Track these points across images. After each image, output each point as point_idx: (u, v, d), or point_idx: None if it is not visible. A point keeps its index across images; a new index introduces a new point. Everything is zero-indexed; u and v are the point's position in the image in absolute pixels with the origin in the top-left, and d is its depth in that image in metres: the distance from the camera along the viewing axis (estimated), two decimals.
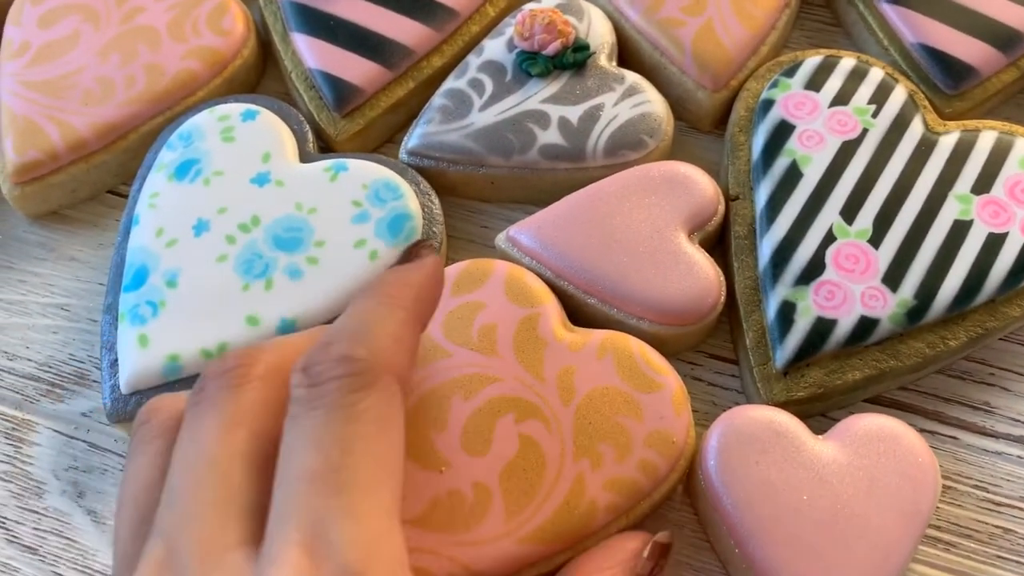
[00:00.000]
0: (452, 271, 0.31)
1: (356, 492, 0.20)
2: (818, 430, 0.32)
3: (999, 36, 0.40)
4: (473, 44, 0.42)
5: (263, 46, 0.44)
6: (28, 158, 0.39)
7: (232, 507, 0.22)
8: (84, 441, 0.36)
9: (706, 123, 0.42)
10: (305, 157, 0.39)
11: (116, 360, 0.35)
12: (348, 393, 0.22)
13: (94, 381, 0.37)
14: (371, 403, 0.22)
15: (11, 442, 0.36)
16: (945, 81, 0.40)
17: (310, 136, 0.39)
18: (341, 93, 0.40)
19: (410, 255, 0.28)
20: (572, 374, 0.30)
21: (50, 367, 0.38)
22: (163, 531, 0.22)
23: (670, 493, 0.29)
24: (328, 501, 0.20)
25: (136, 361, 0.34)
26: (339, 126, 0.40)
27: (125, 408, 0.34)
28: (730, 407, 0.35)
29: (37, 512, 0.35)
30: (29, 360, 0.38)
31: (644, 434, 0.29)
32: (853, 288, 0.34)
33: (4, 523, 0.35)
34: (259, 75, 0.44)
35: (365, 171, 0.38)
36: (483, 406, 0.29)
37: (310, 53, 0.41)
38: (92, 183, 0.41)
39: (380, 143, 0.42)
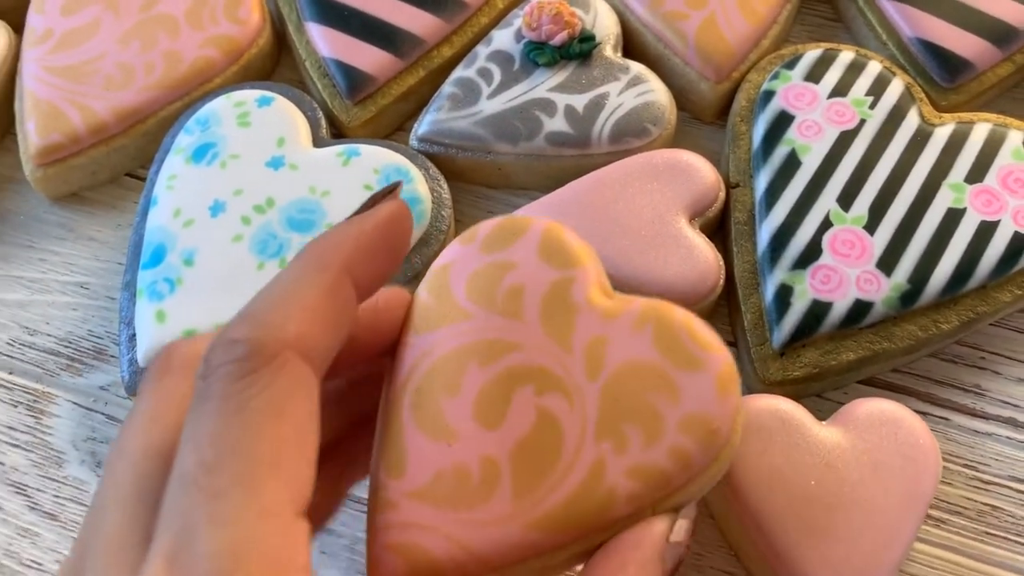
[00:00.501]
0: (484, 228, 0.28)
1: (229, 494, 0.18)
2: (817, 411, 0.33)
3: (994, 31, 0.41)
4: (482, 35, 0.43)
5: (278, 35, 0.45)
6: (50, 141, 0.40)
7: (138, 502, 0.20)
8: (102, 413, 0.37)
9: (708, 113, 0.43)
10: (318, 142, 0.40)
11: (134, 335, 0.36)
12: (232, 381, 0.20)
13: (112, 356, 0.39)
14: (257, 390, 0.20)
15: (32, 414, 0.37)
16: (941, 75, 0.41)
17: (323, 122, 0.41)
18: (353, 81, 0.41)
19: (366, 205, 0.25)
20: (603, 345, 0.26)
21: (69, 342, 0.39)
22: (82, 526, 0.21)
23: (708, 487, 0.25)
24: (197, 507, 0.18)
25: (153, 336, 0.36)
26: (351, 113, 0.42)
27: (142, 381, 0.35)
28: None
29: (57, 480, 0.36)
30: (49, 335, 0.39)
31: (678, 417, 0.24)
32: (848, 272, 0.36)
33: (26, 490, 0.36)
34: (274, 63, 0.45)
35: (376, 156, 0.39)
36: (501, 374, 0.26)
37: (324, 42, 0.42)
38: (111, 166, 0.42)
39: (391, 130, 0.44)
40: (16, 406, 0.38)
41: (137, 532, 0.20)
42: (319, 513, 0.27)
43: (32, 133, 0.41)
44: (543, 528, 0.24)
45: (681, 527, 0.24)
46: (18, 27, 0.44)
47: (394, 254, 0.24)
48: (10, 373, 0.38)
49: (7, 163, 0.43)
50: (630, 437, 0.25)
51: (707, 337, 0.26)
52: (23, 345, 0.39)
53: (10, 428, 0.37)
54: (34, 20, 0.44)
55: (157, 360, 0.23)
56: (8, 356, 0.39)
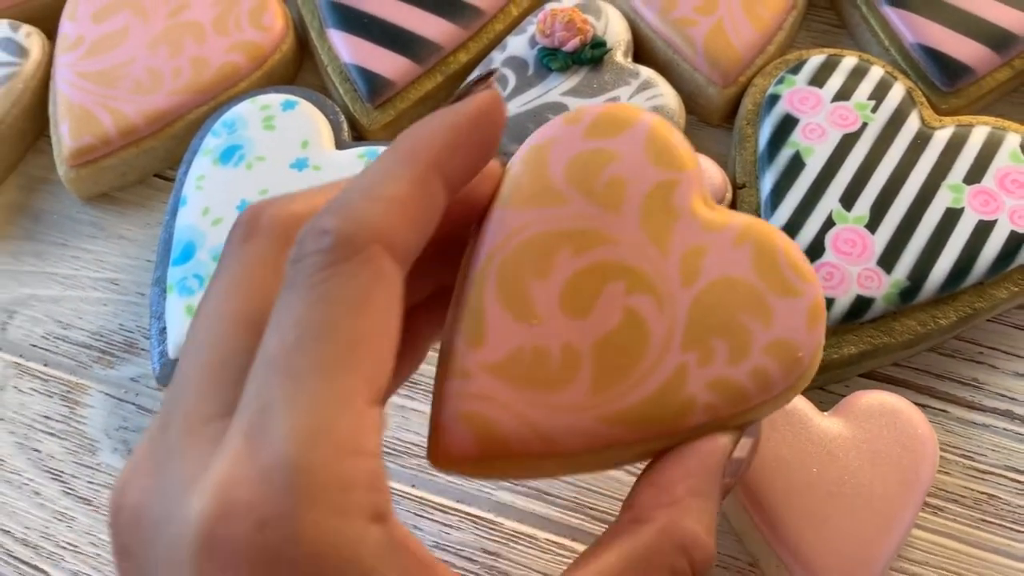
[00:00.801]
0: (590, 112, 0.27)
1: (306, 379, 0.19)
2: (819, 403, 0.35)
3: (993, 37, 0.42)
4: (497, 41, 0.45)
5: (301, 41, 0.47)
6: (83, 143, 0.42)
7: (223, 374, 0.21)
8: (133, 404, 0.39)
9: (716, 117, 0.44)
10: (340, 144, 0.42)
11: (164, 328, 0.38)
12: (319, 270, 0.20)
13: (142, 349, 0.40)
14: (341, 280, 0.20)
15: (67, 404, 0.39)
16: (942, 79, 0.42)
17: (345, 125, 0.42)
18: (374, 86, 0.43)
19: (459, 95, 0.24)
20: (700, 256, 0.25)
21: (101, 336, 0.41)
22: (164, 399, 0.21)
23: (777, 409, 0.25)
24: (276, 388, 0.19)
25: (183, 329, 0.37)
26: (372, 116, 0.43)
27: (172, 372, 0.37)
28: None
29: (91, 467, 0.38)
30: (82, 329, 0.41)
31: (767, 340, 0.24)
32: (850, 269, 0.37)
33: (61, 476, 0.38)
34: (297, 68, 0.47)
35: None
36: (593, 266, 0.25)
37: (345, 48, 0.44)
38: (141, 167, 0.44)
39: None
40: (51, 396, 0.39)
41: (219, 404, 0.20)
42: (395, 376, 0.27)
43: (65, 136, 0.42)
44: (617, 423, 0.24)
45: (745, 445, 0.25)
46: (51, 34, 0.46)
47: (486, 148, 0.23)
48: (45, 365, 0.40)
49: (41, 164, 0.45)
50: (716, 351, 0.24)
51: (805, 266, 0.26)
52: (57, 338, 0.41)
53: (46, 417, 0.39)
54: (66, 27, 0.45)
55: (242, 222, 0.23)
56: (44, 349, 0.40)
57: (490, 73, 0.24)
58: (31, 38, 0.45)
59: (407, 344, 0.27)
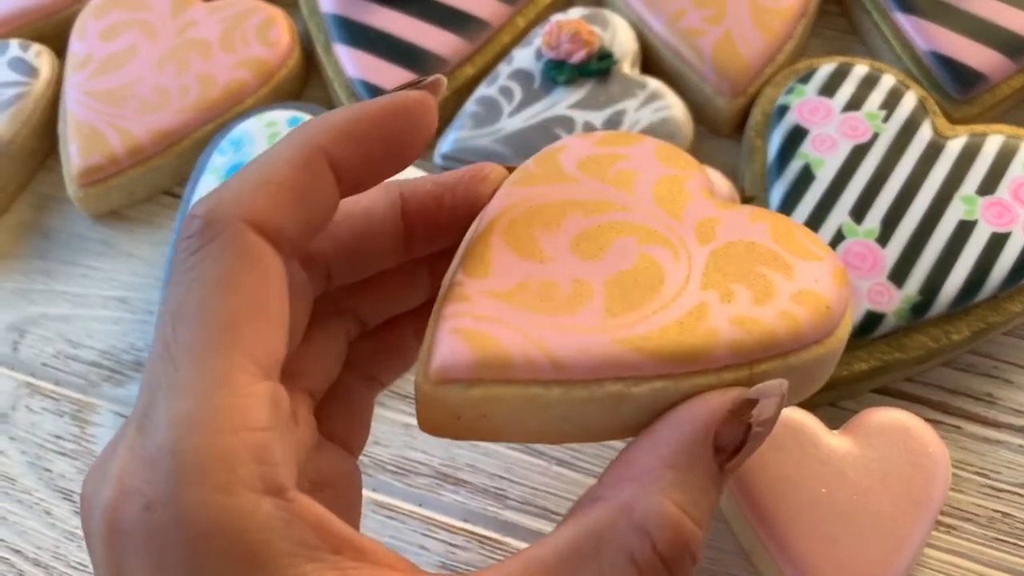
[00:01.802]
0: (601, 132, 0.27)
1: (182, 364, 0.19)
2: (830, 420, 0.34)
3: (1008, 43, 0.41)
4: (504, 54, 0.45)
5: (307, 56, 0.47)
6: (91, 162, 0.42)
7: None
8: None
9: (725, 128, 0.44)
10: None
11: None
12: (188, 256, 0.20)
13: None
14: (208, 262, 0.20)
15: (77, 423, 0.39)
16: (955, 87, 0.41)
17: None
18: None
19: (393, 91, 0.23)
20: (715, 224, 0.24)
21: (111, 354, 0.41)
22: None
23: (813, 368, 0.23)
24: (160, 377, 0.19)
25: None
26: None
27: None
28: None
29: None
30: (92, 348, 0.41)
31: (792, 290, 0.23)
32: (860, 284, 0.36)
33: (72, 496, 0.38)
34: (303, 84, 0.47)
35: (402, 174, 0.40)
36: (604, 224, 0.24)
37: (351, 63, 0.44)
38: (149, 185, 0.44)
39: None
40: (62, 416, 0.40)
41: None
42: (392, 366, 0.28)
43: (74, 155, 0.42)
44: (634, 348, 0.21)
45: (767, 406, 0.21)
46: (61, 52, 0.46)
47: (396, 145, 0.22)
48: (56, 384, 0.40)
49: (51, 182, 0.46)
50: (738, 294, 0.22)
51: (819, 239, 0.25)
52: (68, 357, 0.41)
53: (57, 437, 0.39)
54: (75, 45, 0.46)
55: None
56: (54, 368, 0.41)
57: (428, 80, 0.23)
58: (41, 57, 0.46)
59: (394, 350, 0.28)
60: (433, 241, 0.25)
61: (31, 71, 0.45)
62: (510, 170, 0.26)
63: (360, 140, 0.22)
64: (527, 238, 0.23)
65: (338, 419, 0.26)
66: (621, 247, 0.23)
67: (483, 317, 0.22)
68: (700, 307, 0.22)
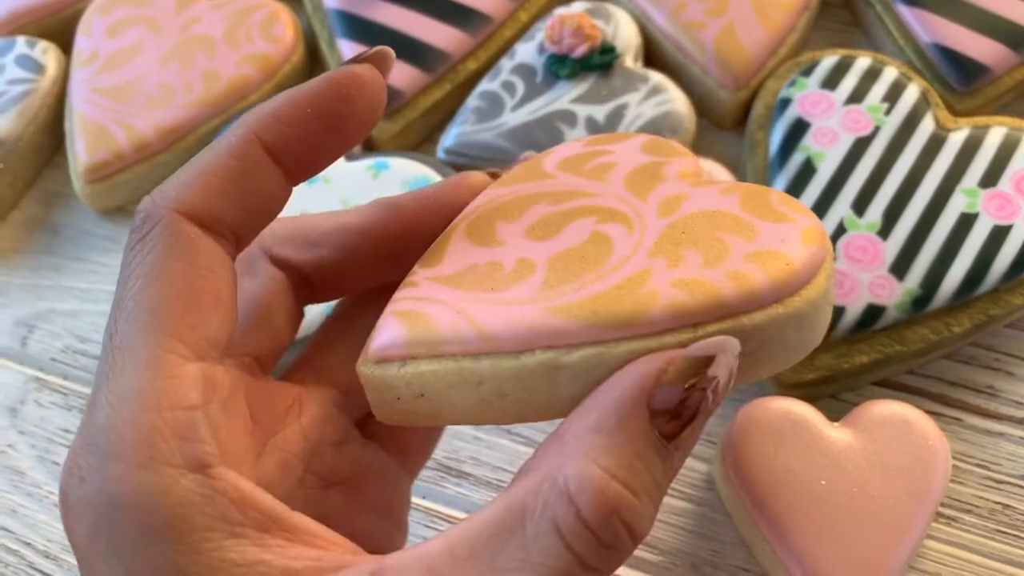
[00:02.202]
0: (590, 137, 0.27)
1: (119, 353, 0.20)
2: (831, 412, 0.35)
3: (1011, 35, 0.41)
4: (506, 48, 0.45)
5: (311, 52, 0.47)
6: (98, 158, 0.43)
7: None
8: None
9: (728, 121, 0.44)
10: (350, 156, 0.42)
11: None
12: (128, 251, 0.21)
13: None
14: (143, 253, 0.20)
15: None
16: (957, 79, 0.41)
17: None
18: None
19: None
20: (681, 200, 0.23)
21: None
22: None
23: (770, 327, 0.21)
24: (104, 365, 0.20)
25: None
26: (381, 127, 0.43)
27: None
28: (746, 390, 0.37)
29: None
30: (100, 343, 0.41)
31: (748, 251, 0.21)
32: (861, 277, 0.36)
33: None
34: (307, 79, 0.47)
35: (405, 169, 0.41)
36: (566, 210, 0.24)
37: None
38: (155, 181, 0.44)
39: (420, 141, 0.45)
40: (70, 410, 0.40)
41: None
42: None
43: (81, 151, 0.43)
44: (564, 314, 0.21)
45: (717, 366, 0.19)
46: (67, 48, 0.47)
47: (335, 122, 0.22)
48: (65, 379, 0.41)
49: (58, 179, 0.46)
50: (687, 258, 0.21)
51: (799, 204, 0.23)
52: (76, 352, 0.41)
53: (66, 431, 0.40)
54: (81, 42, 0.46)
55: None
56: (63, 363, 0.41)
57: (369, 53, 0.23)
58: (47, 54, 0.46)
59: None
60: (422, 253, 0.25)
61: (38, 68, 0.45)
62: (494, 175, 0.26)
63: (293, 122, 0.21)
64: (487, 229, 0.24)
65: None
66: (576, 228, 0.23)
67: (423, 299, 0.22)
68: (642, 273, 0.21)
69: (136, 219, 0.21)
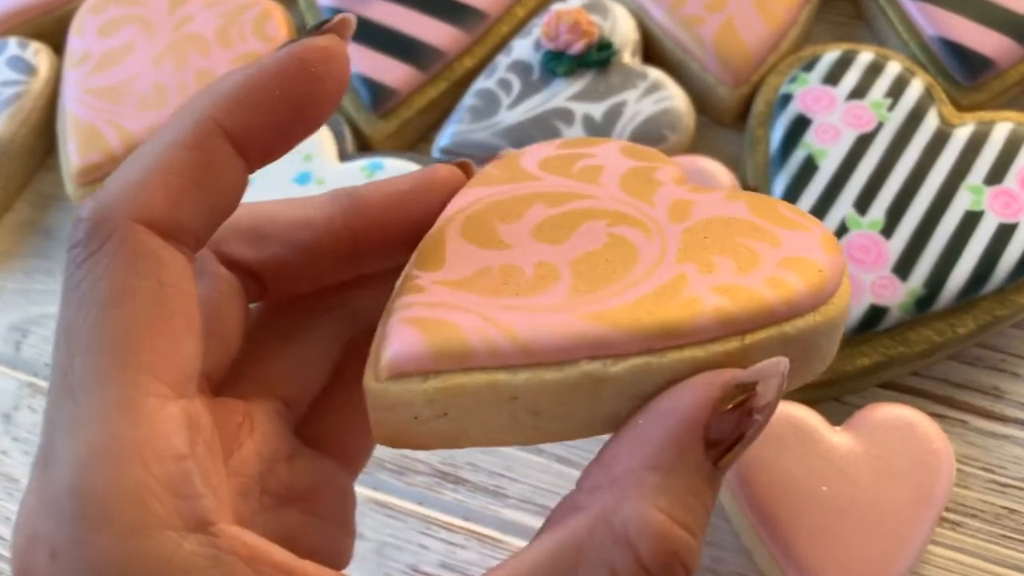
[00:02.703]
0: (566, 137, 0.25)
1: (80, 394, 0.17)
2: (833, 415, 0.34)
3: (1017, 27, 0.40)
4: (502, 44, 0.44)
5: None
6: (90, 160, 0.42)
7: None
8: None
9: (728, 117, 0.43)
10: (344, 156, 0.41)
11: None
12: (76, 268, 0.18)
13: None
14: (97, 273, 0.17)
15: None
16: (962, 73, 0.40)
17: (348, 136, 0.42)
18: (377, 95, 0.42)
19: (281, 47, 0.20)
20: (689, 206, 0.22)
21: None
22: None
23: (813, 339, 0.20)
24: (57, 410, 0.17)
25: None
26: (376, 126, 0.43)
27: None
28: None
29: None
30: None
31: (779, 257, 0.21)
32: (864, 278, 0.36)
33: None
34: None
35: (400, 169, 0.40)
36: (569, 212, 0.22)
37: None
38: None
39: (416, 140, 0.45)
40: None
41: None
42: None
43: (73, 153, 0.42)
44: (607, 323, 0.19)
45: (766, 389, 0.18)
46: (59, 48, 0.46)
47: (302, 102, 0.19)
48: None
49: (51, 181, 0.46)
50: (719, 264, 0.20)
51: (806, 213, 0.23)
52: None
53: None
54: (74, 42, 0.46)
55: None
56: None
57: (332, 22, 0.21)
58: (39, 55, 0.45)
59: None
60: (386, 252, 0.23)
61: (30, 69, 0.45)
62: (464, 167, 0.24)
63: (259, 107, 0.19)
64: (485, 230, 0.22)
65: (327, 426, 0.24)
66: (588, 230, 0.21)
67: (438, 304, 0.20)
68: (678, 278, 0.20)
69: (80, 230, 0.18)
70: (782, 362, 0.19)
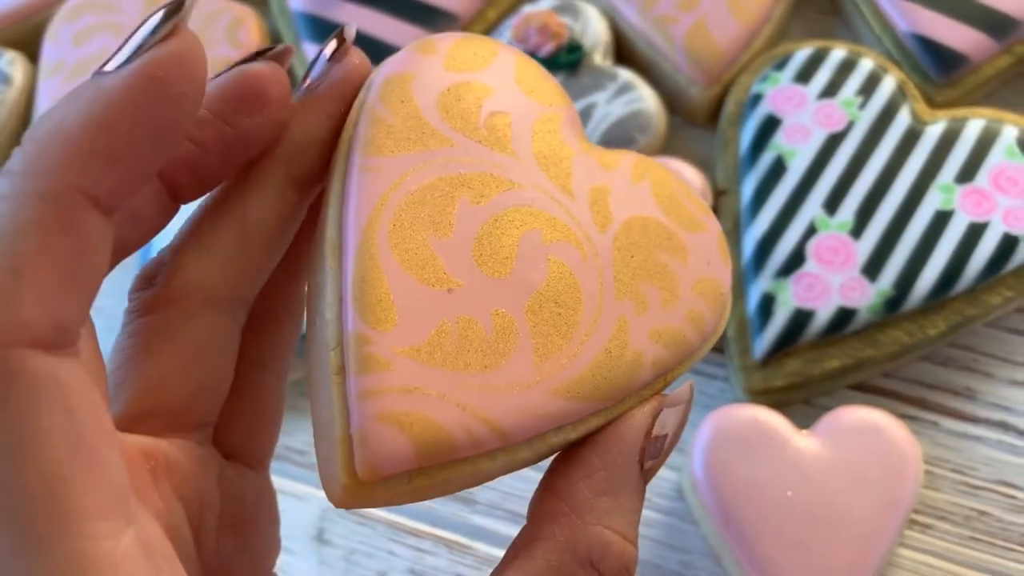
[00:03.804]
0: (444, 41, 0.23)
1: (20, 565, 0.15)
2: (803, 418, 0.34)
3: (991, 23, 0.40)
4: None
5: None
6: None
7: None
8: None
9: (700, 117, 0.43)
10: None
11: None
12: None
13: None
14: None
15: None
16: (936, 69, 0.40)
17: None
18: None
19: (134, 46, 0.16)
20: (606, 195, 0.23)
21: None
22: None
23: (701, 356, 0.23)
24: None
25: None
26: None
27: None
28: (716, 395, 0.37)
29: None
30: None
31: (692, 280, 0.23)
32: (832, 280, 0.36)
33: None
34: None
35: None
36: (499, 216, 0.22)
37: None
38: None
39: None
40: None
41: None
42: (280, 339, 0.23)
43: None
44: (570, 397, 0.20)
45: (672, 415, 0.21)
46: (33, 57, 0.46)
47: (158, 133, 0.16)
48: None
49: None
50: (649, 297, 0.22)
51: (699, 200, 0.24)
52: None
53: None
54: (48, 50, 0.46)
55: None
56: None
57: (276, 50, 0.19)
58: (14, 65, 0.46)
59: (273, 312, 0.23)
60: (230, 165, 0.20)
61: (4, 79, 0.45)
62: (281, 56, 0.21)
63: (116, 151, 0.16)
64: (422, 252, 0.21)
65: (235, 433, 0.22)
66: (527, 251, 0.21)
67: (410, 391, 0.19)
68: (620, 326, 0.22)
69: None
70: (691, 383, 0.22)
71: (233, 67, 0.19)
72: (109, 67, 0.16)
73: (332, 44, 0.21)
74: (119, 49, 0.16)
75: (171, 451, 0.20)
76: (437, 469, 0.19)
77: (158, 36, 0.16)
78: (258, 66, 0.19)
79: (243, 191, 0.20)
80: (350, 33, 0.21)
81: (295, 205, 0.21)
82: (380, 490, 0.19)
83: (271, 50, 0.20)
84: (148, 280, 0.20)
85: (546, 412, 0.20)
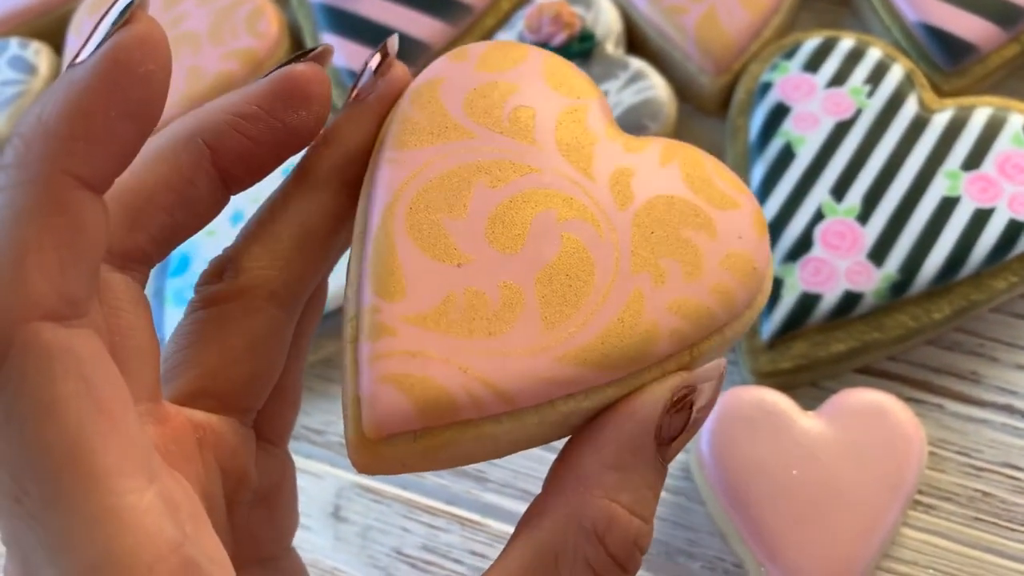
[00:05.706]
0: (476, 48, 0.24)
1: (49, 521, 0.16)
2: (809, 400, 0.34)
3: (999, 11, 0.40)
4: (488, 37, 0.45)
5: (296, 46, 0.47)
6: None
7: None
8: None
9: (711, 106, 0.43)
10: None
11: (163, 339, 0.39)
12: None
13: None
14: (12, 393, 0.15)
15: None
16: (944, 59, 0.40)
17: None
18: None
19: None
20: (629, 176, 0.23)
21: None
22: None
23: (743, 332, 0.23)
24: (22, 537, 0.16)
25: None
26: None
27: None
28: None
29: None
30: None
31: (720, 255, 0.22)
32: (839, 264, 0.36)
33: None
34: None
35: None
36: (515, 197, 0.22)
37: (338, 51, 0.44)
38: None
39: None
40: None
41: None
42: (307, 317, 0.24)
43: None
44: (578, 363, 0.20)
45: (707, 389, 0.21)
46: (59, 48, 0.47)
47: (135, 111, 0.17)
48: None
49: None
50: (669, 271, 0.22)
51: (735, 178, 0.23)
52: None
53: None
54: (73, 42, 0.47)
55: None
56: None
57: (316, 51, 0.21)
58: (40, 55, 0.47)
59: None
60: (268, 165, 0.21)
61: (30, 69, 0.46)
62: (321, 57, 0.22)
63: (98, 133, 0.17)
64: (434, 231, 0.21)
65: (265, 413, 0.23)
66: (540, 229, 0.22)
67: (414, 354, 0.20)
68: (635, 298, 0.21)
69: None
70: (721, 363, 0.21)
71: (279, 67, 0.21)
72: (79, 59, 0.17)
73: (377, 57, 0.22)
74: (86, 42, 0.17)
75: (219, 426, 0.21)
76: (441, 430, 0.20)
77: (118, 24, 0.17)
78: (301, 67, 0.21)
79: (302, 195, 0.22)
80: (392, 47, 0.22)
81: (348, 208, 0.22)
82: (386, 448, 0.19)
83: (313, 51, 0.21)
84: (217, 275, 0.21)
85: (552, 377, 0.20)
